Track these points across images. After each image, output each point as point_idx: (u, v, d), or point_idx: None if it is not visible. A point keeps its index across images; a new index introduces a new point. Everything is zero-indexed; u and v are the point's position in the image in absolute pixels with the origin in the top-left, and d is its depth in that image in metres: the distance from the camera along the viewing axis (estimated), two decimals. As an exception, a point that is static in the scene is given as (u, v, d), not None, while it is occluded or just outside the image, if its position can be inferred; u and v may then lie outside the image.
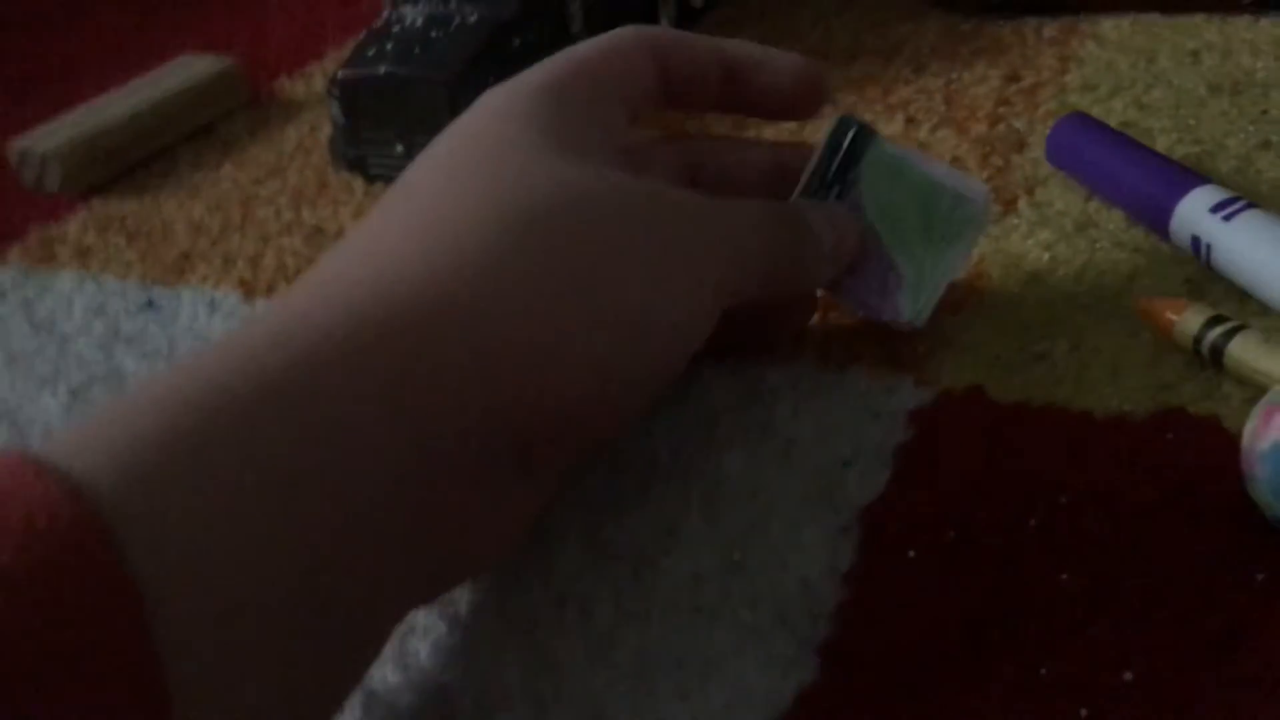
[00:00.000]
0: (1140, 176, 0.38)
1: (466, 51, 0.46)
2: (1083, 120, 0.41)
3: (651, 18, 0.54)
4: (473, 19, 0.47)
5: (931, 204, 0.34)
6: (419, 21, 0.48)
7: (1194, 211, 0.35)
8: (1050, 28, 0.51)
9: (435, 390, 0.25)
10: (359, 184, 0.50)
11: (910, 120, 0.46)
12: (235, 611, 0.21)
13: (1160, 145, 0.42)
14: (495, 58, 0.46)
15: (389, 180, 0.49)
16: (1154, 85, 0.45)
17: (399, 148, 0.48)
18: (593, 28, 0.50)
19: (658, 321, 0.28)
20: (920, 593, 0.28)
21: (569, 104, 0.30)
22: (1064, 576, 0.28)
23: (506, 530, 0.28)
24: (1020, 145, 0.43)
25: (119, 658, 0.19)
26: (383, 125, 0.48)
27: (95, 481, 0.21)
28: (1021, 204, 0.40)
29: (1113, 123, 0.44)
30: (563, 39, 0.49)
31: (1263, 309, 0.34)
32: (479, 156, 0.29)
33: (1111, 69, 0.47)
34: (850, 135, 0.34)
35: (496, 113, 0.30)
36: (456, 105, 0.46)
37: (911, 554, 0.29)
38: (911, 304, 0.34)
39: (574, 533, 0.31)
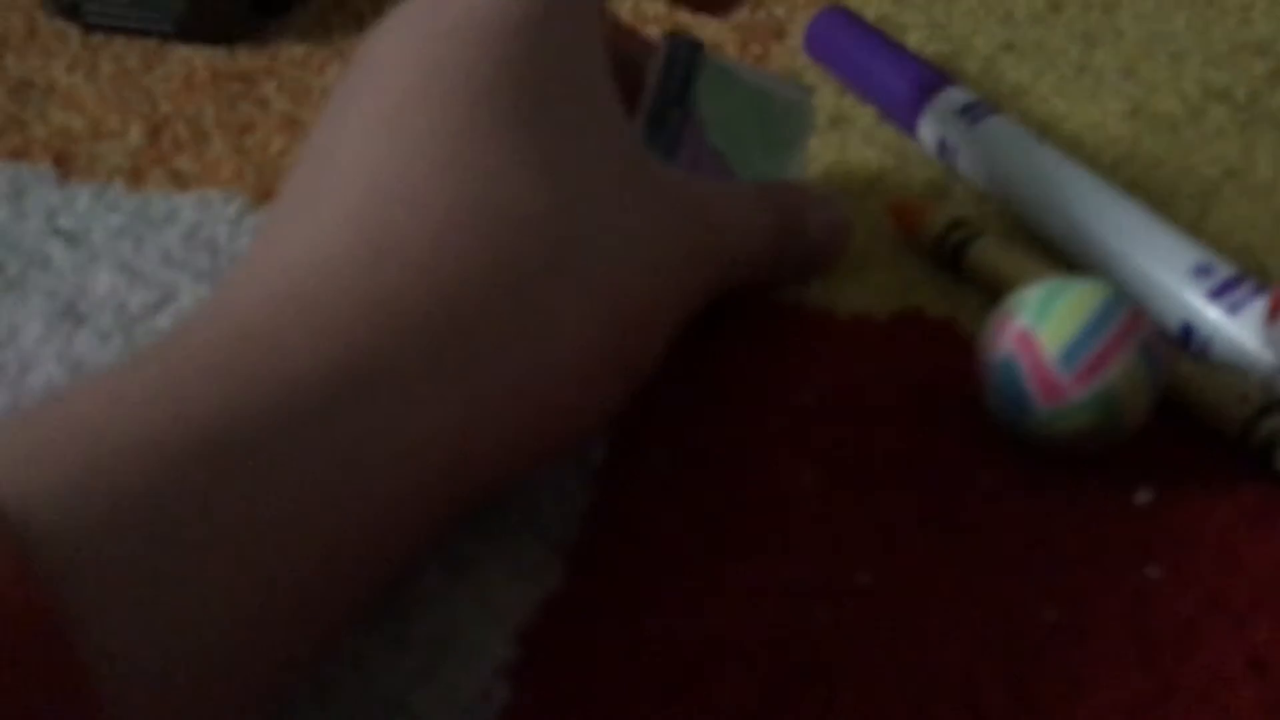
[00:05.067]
0: (892, 74, 0.38)
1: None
2: (841, 13, 0.41)
3: None
4: None
5: (766, 114, 0.32)
6: None
7: (942, 113, 0.36)
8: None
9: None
10: (74, 33, 0.45)
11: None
12: (184, 676, 0.19)
13: (912, 41, 0.42)
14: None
15: (109, 30, 0.45)
16: (909, -21, 0.46)
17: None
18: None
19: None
20: (664, 492, 0.28)
21: (545, 49, 0.25)
22: (806, 477, 0.28)
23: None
24: (780, 33, 0.43)
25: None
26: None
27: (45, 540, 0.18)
28: (778, 95, 0.40)
29: (869, 16, 0.44)
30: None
31: (1000, 213, 0.35)
32: (435, 133, 0.24)
33: (869, -41, 0.47)
34: (684, 54, 0.32)
35: (453, 65, 0.25)
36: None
37: (659, 452, 0.29)
38: None
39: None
